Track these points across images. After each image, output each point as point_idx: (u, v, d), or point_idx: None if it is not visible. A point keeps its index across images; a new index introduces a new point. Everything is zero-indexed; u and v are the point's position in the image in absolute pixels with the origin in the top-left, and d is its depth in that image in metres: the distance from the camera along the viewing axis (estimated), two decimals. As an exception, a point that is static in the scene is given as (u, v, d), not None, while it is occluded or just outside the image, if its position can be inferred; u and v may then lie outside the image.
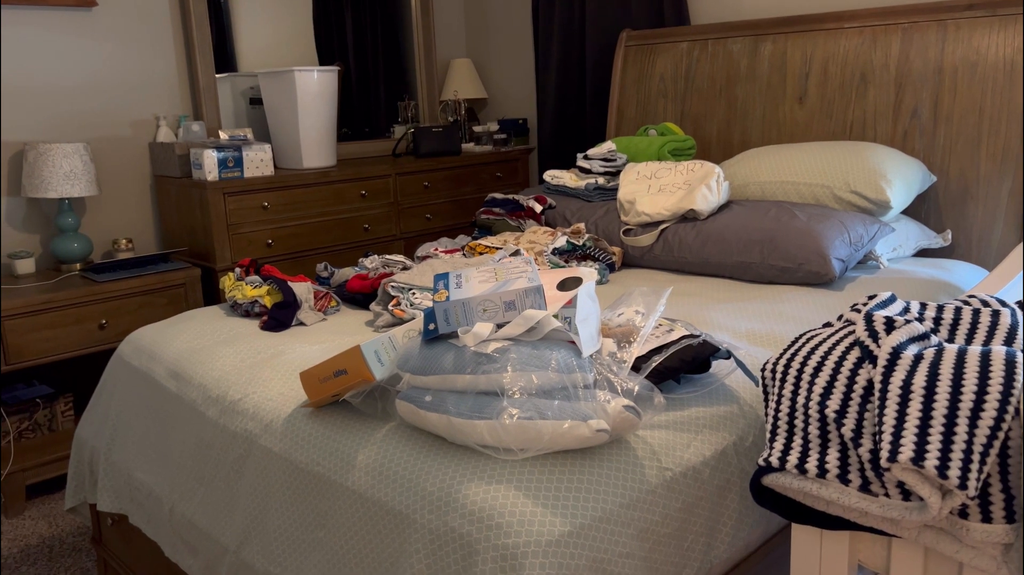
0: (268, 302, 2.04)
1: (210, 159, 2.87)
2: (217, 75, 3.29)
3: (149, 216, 3.19)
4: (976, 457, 0.95)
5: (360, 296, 2.16)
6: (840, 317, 1.31)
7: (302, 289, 2.06)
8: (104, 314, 2.69)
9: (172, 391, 1.80)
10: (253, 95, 3.44)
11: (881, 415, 1.02)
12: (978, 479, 0.95)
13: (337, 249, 3.21)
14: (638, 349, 1.41)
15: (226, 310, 2.15)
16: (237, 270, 2.21)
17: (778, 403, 1.17)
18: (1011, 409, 0.97)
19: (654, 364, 1.39)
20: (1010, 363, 1.00)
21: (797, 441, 1.12)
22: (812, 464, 1.09)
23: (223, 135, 3.08)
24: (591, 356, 1.34)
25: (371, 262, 2.34)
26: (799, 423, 1.13)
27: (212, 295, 2.97)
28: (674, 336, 1.45)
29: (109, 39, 3.02)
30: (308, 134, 3.19)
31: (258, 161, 2.99)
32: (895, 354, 1.06)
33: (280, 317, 1.98)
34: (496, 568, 1.12)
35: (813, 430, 1.11)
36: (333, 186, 3.17)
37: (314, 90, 3.16)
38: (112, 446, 1.96)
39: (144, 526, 1.84)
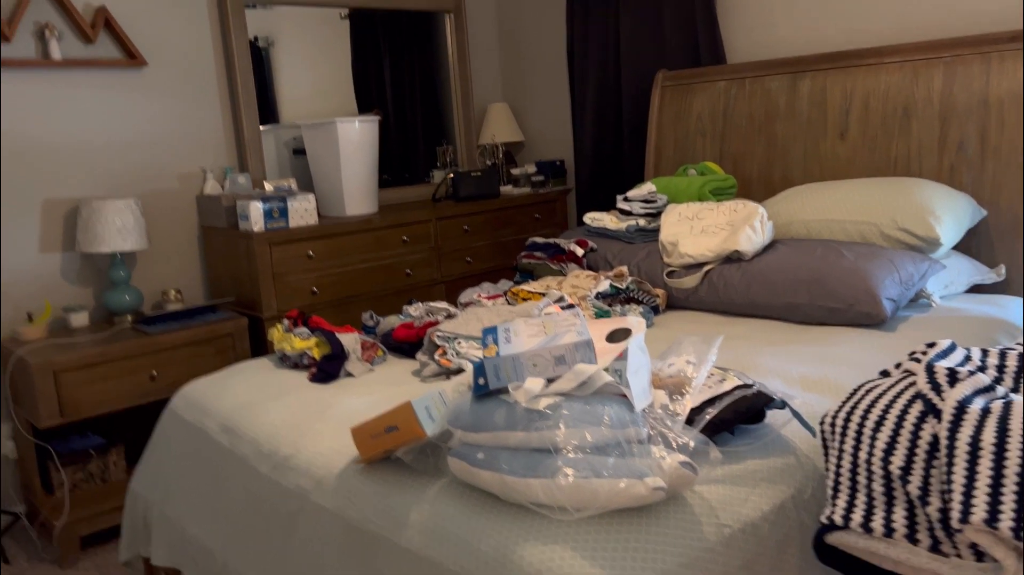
0: (316, 354, 2.06)
1: (256, 210, 2.93)
2: (260, 127, 3.37)
3: (197, 266, 3.26)
4: (1053, 517, 0.92)
5: (406, 345, 2.17)
6: (898, 366, 1.28)
7: (349, 340, 2.08)
8: (154, 365, 2.74)
9: (225, 446, 1.82)
10: (296, 145, 3.51)
11: (950, 473, 0.99)
12: (1056, 541, 0.91)
13: (380, 294, 3.24)
14: (691, 401, 1.39)
15: (275, 362, 2.17)
16: (285, 322, 2.24)
17: (839, 458, 1.14)
18: (1088, 466, 0.93)
19: (708, 417, 1.37)
20: (1084, 418, 0.97)
21: (861, 498, 1.10)
22: (878, 523, 1.06)
23: (268, 186, 3.15)
24: (644, 410, 1.32)
25: (415, 310, 2.35)
26: (862, 479, 1.10)
27: (259, 344, 3.01)
28: (727, 387, 1.43)
29: (158, 96, 3.12)
30: (350, 182, 3.24)
31: (302, 211, 3.05)
32: (961, 408, 1.03)
33: (328, 369, 1.99)
34: (555, 632, 1.11)
35: (877, 487, 1.08)
36: (375, 233, 3.21)
37: (356, 139, 3.22)
38: (166, 500, 1.99)
39: (197, 581, 1.85)
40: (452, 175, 3.62)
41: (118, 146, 3.04)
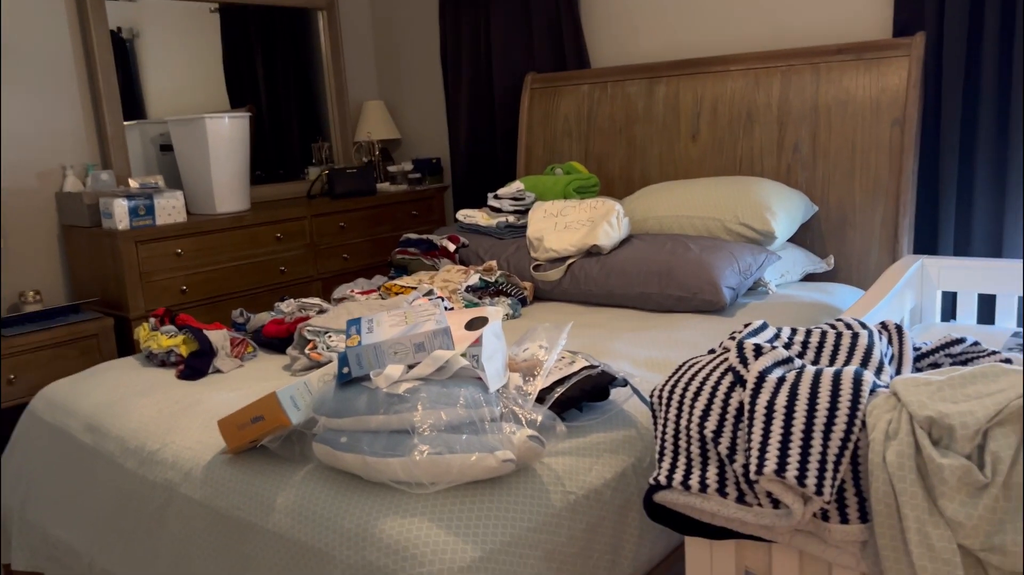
0: (184, 351, 2.06)
1: (120, 208, 2.87)
2: (126, 122, 3.29)
3: (57, 267, 3.15)
4: (830, 466, 1.08)
5: (277, 341, 2.20)
6: (721, 344, 1.44)
7: (218, 337, 2.10)
8: (12, 369, 2.64)
9: (89, 445, 1.81)
10: (163, 142, 3.44)
11: (749, 433, 1.14)
12: (832, 485, 1.08)
13: (254, 292, 3.23)
14: (542, 382, 1.51)
15: (142, 361, 2.16)
16: (152, 320, 2.22)
17: (664, 426, 1.28)
18: (858, 422, 1.10)
19: (556, 395, 1.49)
20: (857, 382, 1.14)
21: (681, 460, 1.24)
22: (695, 480, 1.20)
23: (133, 183, 3.08)
24: (498, 391, 1.43)
25: (287, 306, 2.38)
26: (683, 443, 1.24)
27: (126, 345, 2.94)
28: (575, 368, 1.56)
29: (12, 91, 2.99)
30: (220, 179, 3.21)
31: (170, 208, 3.00)
32: (761, 378, 1.19)
33: (196, 365, 2.00)
34: (412, 596, 1.20)
35: (695, 449, 1.23)
36: (247, 230, 3.20)
37: (226, 135, 3.19)
38: (26, 504, 1.95)
39: (62, 582, 1.83)
40: (328, 172, 3.64)
41: (-32, 141, 2.91)
